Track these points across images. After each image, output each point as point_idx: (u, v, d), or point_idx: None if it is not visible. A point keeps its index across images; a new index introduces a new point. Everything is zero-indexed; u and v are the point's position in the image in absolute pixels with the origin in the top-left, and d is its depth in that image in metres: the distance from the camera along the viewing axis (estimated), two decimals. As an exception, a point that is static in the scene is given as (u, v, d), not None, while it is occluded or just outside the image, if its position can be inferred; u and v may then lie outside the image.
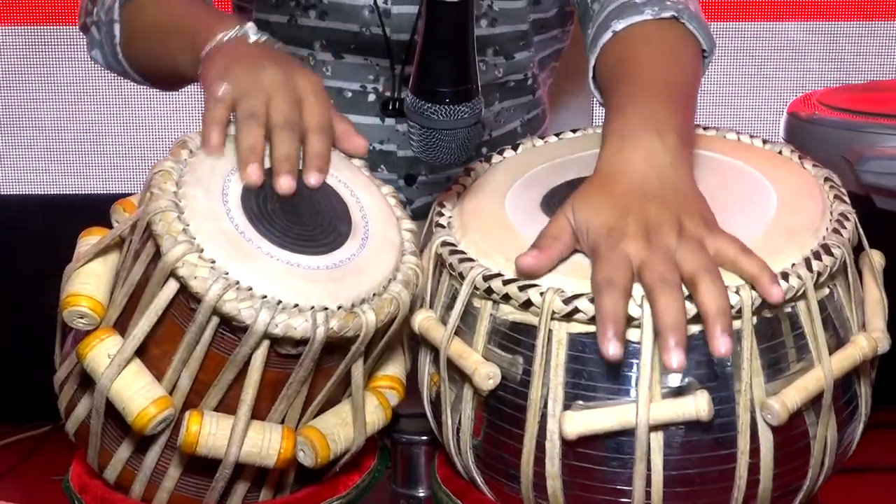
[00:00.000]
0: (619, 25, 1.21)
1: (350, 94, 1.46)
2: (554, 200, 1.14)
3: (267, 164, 1.10)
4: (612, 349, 0.95)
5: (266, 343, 1.02)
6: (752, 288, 0.98)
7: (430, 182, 1.50)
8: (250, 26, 1.21)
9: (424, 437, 1.26)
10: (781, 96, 2.73)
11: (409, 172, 1.50)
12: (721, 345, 0.94)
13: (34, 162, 2.94)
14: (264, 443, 1.05)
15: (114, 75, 1.44)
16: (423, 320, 1.10)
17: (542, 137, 1.28)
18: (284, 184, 1.09)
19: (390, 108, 1.46)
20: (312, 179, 1.11)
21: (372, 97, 1.46)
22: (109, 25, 1.38)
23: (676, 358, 0.94)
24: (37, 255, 2.48)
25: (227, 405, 1.05)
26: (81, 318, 1.07)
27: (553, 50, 1.55)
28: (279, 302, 1.01)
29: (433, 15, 1.03)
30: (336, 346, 1.05)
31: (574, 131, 1.29)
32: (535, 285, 1.02)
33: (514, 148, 1.26)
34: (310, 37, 1.44)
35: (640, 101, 1.10)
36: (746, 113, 2.89)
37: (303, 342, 1.02)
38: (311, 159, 1.11)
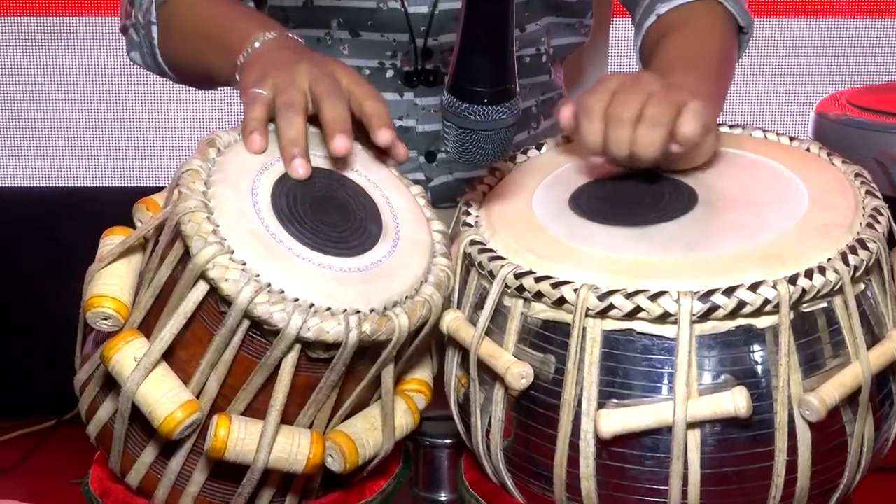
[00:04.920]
0: (662, 9, 1.43)
1: (368, 72, 1.50)
2: (582, 199, 1.19)
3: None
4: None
5: (297, 347, 1.06)
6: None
7: (450, 159, 1.52)
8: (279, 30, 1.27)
9: (448, 440, 1.31)
10: (801, 96, 2.78)
11: (430, 149, 1.54)
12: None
13: (30, 153, 2.99)
14: (293, 448, 1.09)
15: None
16: (452, 321, 1.14)
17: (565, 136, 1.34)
18: (340, 144, 1.14)
19: (415, 80, 1.50)
20: (383, 138, 1.17)
21: (390, 73, 1.51)
22: (147, 28, 1.43)
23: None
24: (38, 251, 2.51)
25: (255, 409, 1.09)
26: (105, 319, 1.11)
27: (571, 42, 1.60)
28: (311, 305, 1.05)
29: (473, 12, 1.06)
30: (367, 350, 1.09)
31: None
32: (568, 282, 1.07)
33: (539, 147, 1.31)
34: (326, 16, 1.49)
35: (673, 72, 1.26)
36: (770, 112, 2.95)
37: (335, 346, 1.06)
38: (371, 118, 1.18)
